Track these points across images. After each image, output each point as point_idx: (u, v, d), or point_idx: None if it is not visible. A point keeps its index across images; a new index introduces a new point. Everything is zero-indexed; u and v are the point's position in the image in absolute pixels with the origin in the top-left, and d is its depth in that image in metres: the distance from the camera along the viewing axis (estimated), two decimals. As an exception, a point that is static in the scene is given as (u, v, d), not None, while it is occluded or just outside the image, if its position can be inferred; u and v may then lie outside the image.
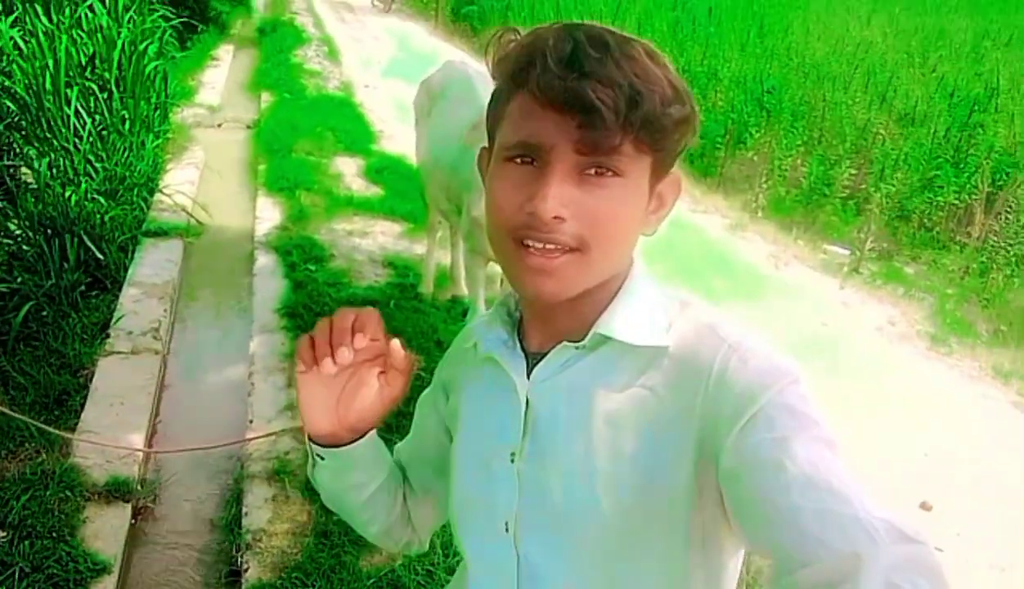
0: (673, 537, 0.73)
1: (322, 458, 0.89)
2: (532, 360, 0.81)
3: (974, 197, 6.14)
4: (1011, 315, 4.98)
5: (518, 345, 0.84)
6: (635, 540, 0.74)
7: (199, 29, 10.49)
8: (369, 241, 4.96)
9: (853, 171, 6.58)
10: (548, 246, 0.71)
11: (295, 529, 2.61)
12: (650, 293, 0.79)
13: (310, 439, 0.88)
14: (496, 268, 3.58)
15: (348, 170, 6.27)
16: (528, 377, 0.81)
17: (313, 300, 4.04)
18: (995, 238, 5.66)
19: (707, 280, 4.98)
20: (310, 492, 2.74)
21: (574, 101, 0.67)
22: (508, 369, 0.82)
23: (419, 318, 3.95)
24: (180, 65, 8.41)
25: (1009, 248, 5.50)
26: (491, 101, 0.78)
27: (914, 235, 6.16)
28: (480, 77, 3.57)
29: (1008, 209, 5.85)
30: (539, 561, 0.79)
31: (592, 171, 0.70)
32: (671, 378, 0.73)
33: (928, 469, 3.40)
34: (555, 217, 0.69)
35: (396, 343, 0.82)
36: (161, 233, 4.76)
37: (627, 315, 0.77)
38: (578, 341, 0.78)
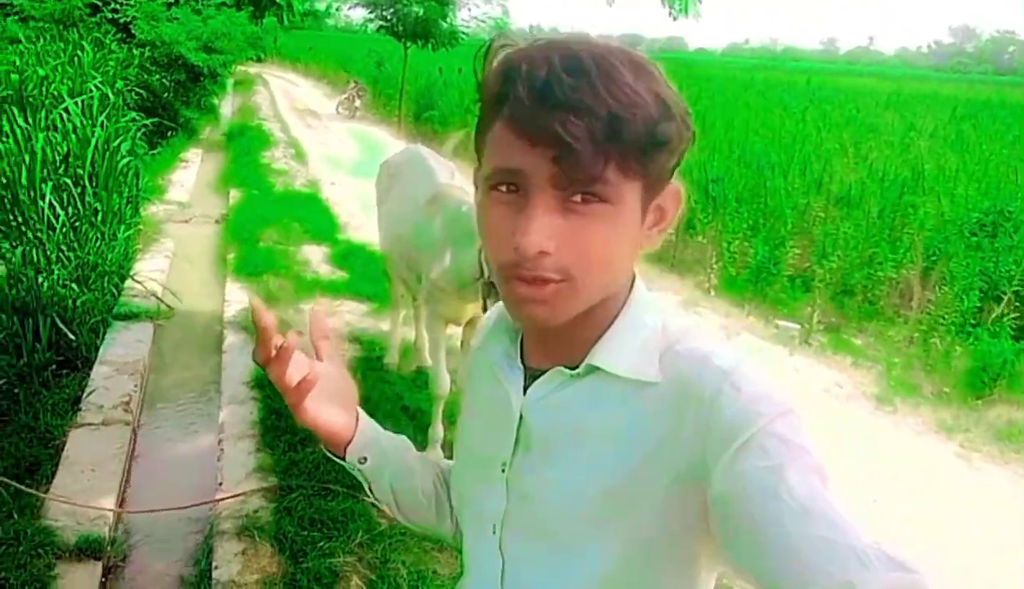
0: (650, 555, 0.75)
1: (365, 459, 0.91)
2: (530, 375, 0.83)
3: (911, 271, 6.52)
4: (954, 378, 5.23)
5: (518, 358, 0.85)
6: (613, 554, 0.76)
7: (168, 134, 10.85)
8: (335, 320, 5.12)
9: (797, 251, 6.95)
10: (536, 278, 0.71)
11: (265, 580, 2.66)
12: (647, 321, 0.79)
13: (340, 457, 0.91)
14: (457, 337, 3.76)
15: (315, 257, 6.47)
16: (525, 392, 0.83)
17: (282, 373, 4.13)
18: (933, 308, 5.99)
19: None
20: (279, 543, 2.81)
21: (545, 136, 0.66)
22: (505, 384, 0.84)
23: (385, 387, 4.08)
24: (150, 166, 8.68)
25: (946, 317, 5.82)
26: (476, 125, 0.76)
27: (859, 308, 6.46)
28: (433, 156, 3.88)
29: (942, 281, 6.23)
30: (522, 565, 0.83)
31: (578, 198, 0.69)
32: (661, 406, 0.74)
33: (875, 514, 3.54)
34: (540, 252, 0.69)
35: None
36: (132, 316, 4.87)
37: (620, 346, 0.77)
38: (573, 366, 0.79)
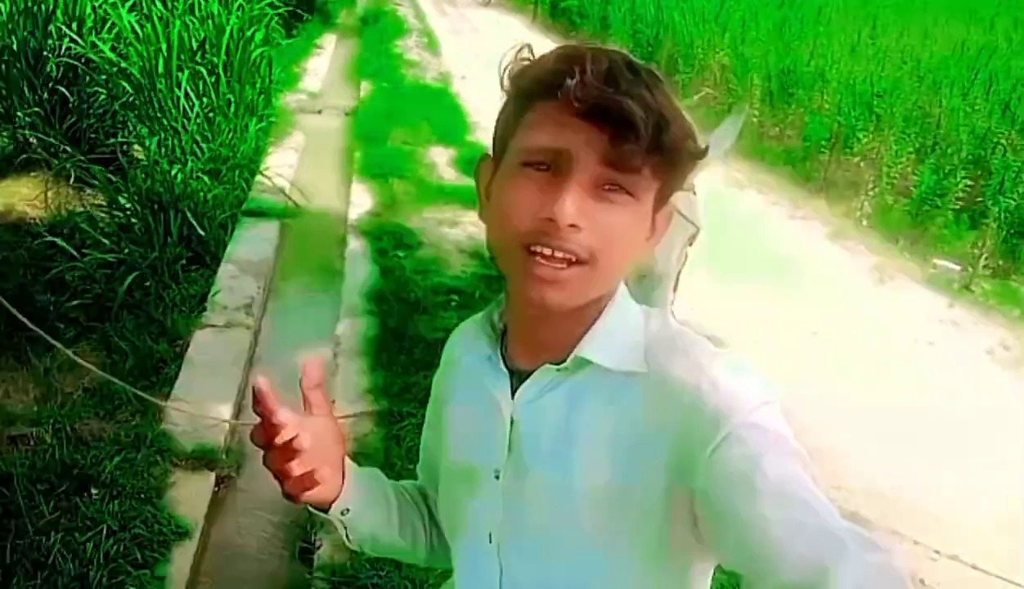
0: (645, 551, 0.76)
1: (347, 510, 0.88)
2: (516, 377, 0.83)
3: (1106, 218, 5.68)
4: None
5: (501, 361, 0.85)
6: (609, 553, 0.77)
7: (304, 18, 10.80)
8: (458, 231, 4.98)
9: (969, 182, 6.18)
10: (558, 255, 0.71)
11: (370, 511, 2.61)
12: (631, 315, 0.81)
13: (325, 511, 0.87)
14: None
15: (441, 160, 6.32)
16: (512, 395, 0.82)
17: (400, 287, 4.07)
18: None
19: (805, 291, 4.76)
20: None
21: (611, 113, 0.69)
22: (491, 389, 0.84)
23: (503, 309, 3.93)
24: (285, 52, 8.68)
25: None
26: (503, 111, 0.78)
27: (1034, 255, 5.75)
28: None
29: None
30: (520, 570, 0.83)
31: (607, 187, 0.72)
32: (647, 401, 0.75)
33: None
34: (571, 225, 0.70)
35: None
36: (259, 213, 4.90)
37: (608, 339, 0.78)
38: (560, 362, 0.79)
